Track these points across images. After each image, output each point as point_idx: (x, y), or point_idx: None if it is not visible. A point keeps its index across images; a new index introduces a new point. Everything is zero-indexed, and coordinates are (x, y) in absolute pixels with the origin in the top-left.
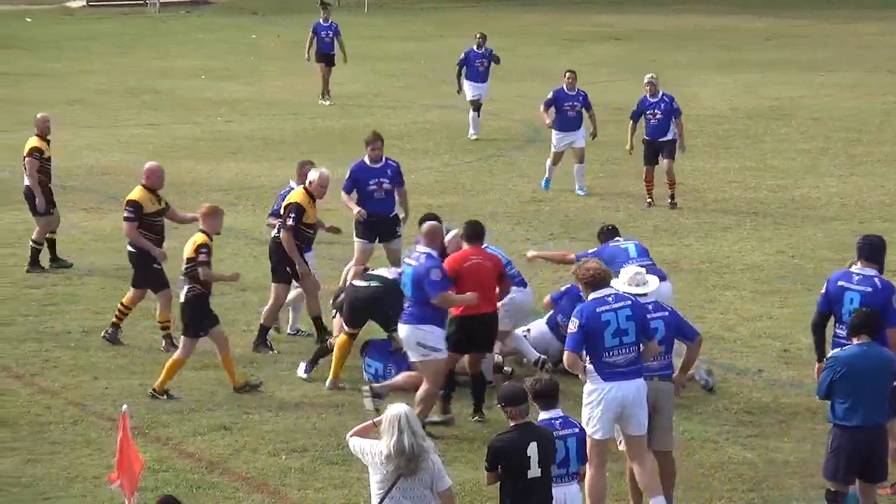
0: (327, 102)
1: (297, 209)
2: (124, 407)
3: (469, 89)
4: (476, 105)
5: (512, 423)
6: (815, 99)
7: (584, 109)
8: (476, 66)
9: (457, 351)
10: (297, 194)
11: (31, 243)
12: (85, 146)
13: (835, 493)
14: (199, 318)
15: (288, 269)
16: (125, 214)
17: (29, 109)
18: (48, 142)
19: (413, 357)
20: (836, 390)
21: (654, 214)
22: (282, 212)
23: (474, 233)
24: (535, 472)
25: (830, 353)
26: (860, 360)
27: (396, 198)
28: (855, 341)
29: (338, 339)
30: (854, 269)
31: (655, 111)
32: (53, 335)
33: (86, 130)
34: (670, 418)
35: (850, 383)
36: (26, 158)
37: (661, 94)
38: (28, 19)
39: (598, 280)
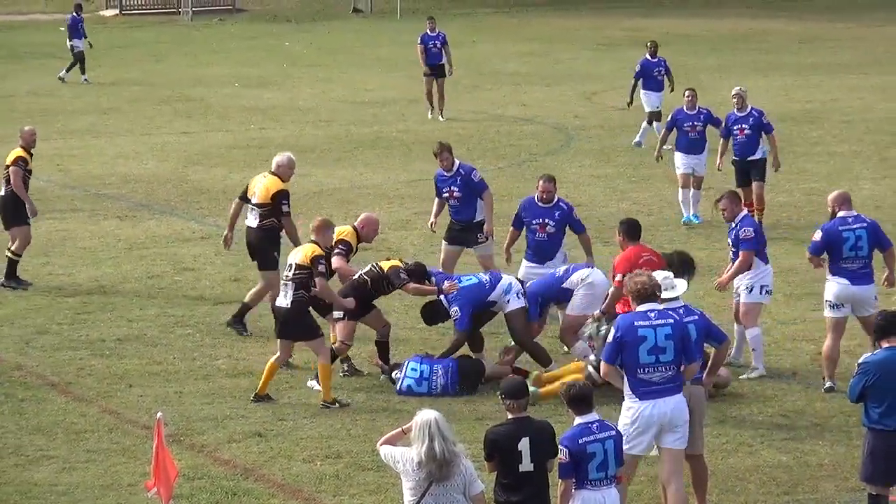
0: (441, 118)
1: (285, 195)
2: (159, 414)
3: (649, 99)
4: (656, 116)
5: (509, 416)
6: (848, 102)
7: (708, 127)
8: (654, 74)
9: None
10: (272, 181)
11: (7, 254)
12: (119, 154)
13: (877, 497)
14: (307, 321)
15: (276, 254)
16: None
17: (65, 119)
18: (31, 154)
19: None
20: (869, 395)
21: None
22: (260, 200)
23: (635, 230)
24: (526, 466)
25: (862, 358)
26: (893, 364)
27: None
28: (884, 345)
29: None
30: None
31: (743, 126)
32: (88, 343)
33: (119, 138)
34: (702, 422)
35: (883, 387)
36: (10, 168)
37: (749, 107)
38: (62, 28)
39: (645, 294)
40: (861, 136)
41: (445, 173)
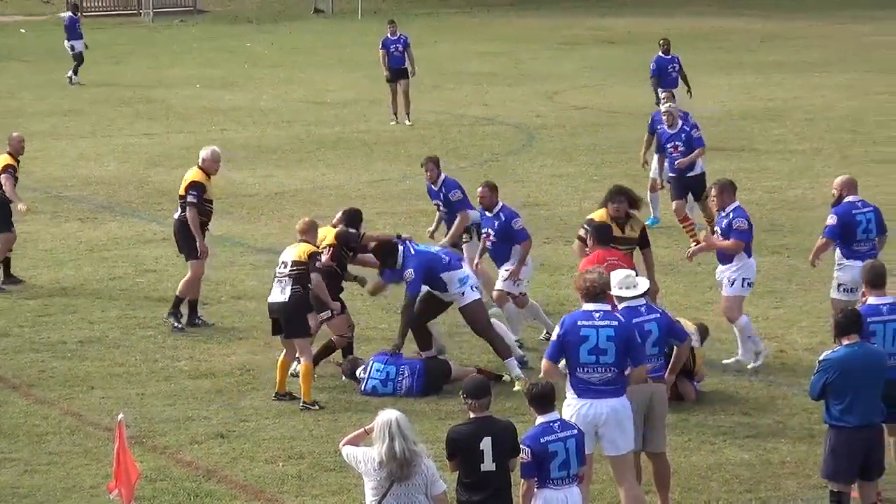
0: (408, 122)
1: (198, 187)
2: (120, 416)
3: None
4: None
5: (471, 415)
6: (810, 100)
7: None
8: (668, 71)
9: None
10: (194, 174)
11: None
12: (80, 156)
13: (838, 494)
14: (304, 318)
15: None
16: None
17: (26, 121)
18: (18, 161)
19: None
20: (829, 392)
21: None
22: (182, 192)
23: (606, 234)
24: (488, 465)
25: (822, 355)
26: (853, 361)
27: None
28: (845, 342)
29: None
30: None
31: (676, 143)
32: (49, 346)
33: (81, 140)
34: (664, 420)
35: (845, 384)
36: (1, 175)
37: (680, 124)
38: (22, 30)
39: (593, 293)
40: (822, 134)
41: (433, 186)
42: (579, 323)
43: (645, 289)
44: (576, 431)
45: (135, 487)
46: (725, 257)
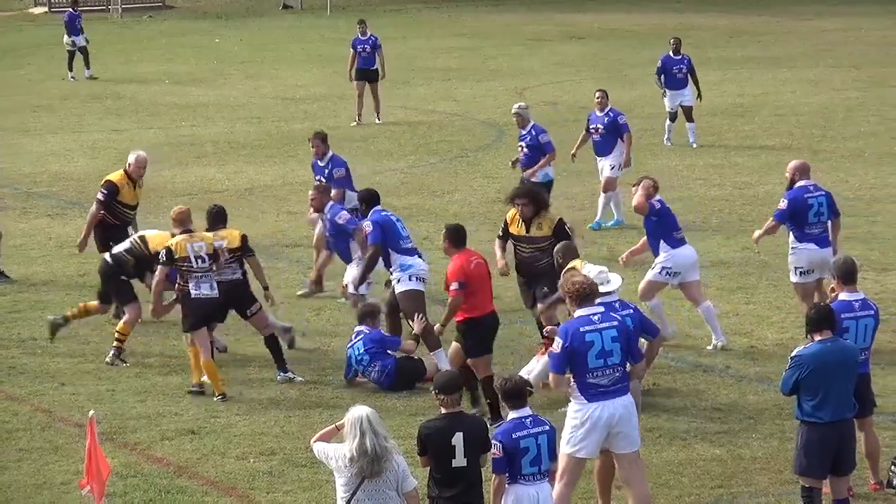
0: (378, 121)
1: (110, 186)
2: (91, 413)
3: (670, 97)
4: (674, 115)
5: (443, 411)
6: (779, 96)
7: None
8: (673, 72)
9: (483, 353)
10: (114, 175)
11: None
12: (49, 152)
13: (810, 490)
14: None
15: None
16: None
17: None
18: None
19: None
20: (802, 387)
21: (622, 212)
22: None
23: (461, 236)
24: (460, 461)
25: (795, 351)
26: (826, 356)
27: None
28: (818, 337)
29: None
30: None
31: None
32: (19, 342)
33: (50, 136)
34: (637, 416)
35: (818, 380)
36: None
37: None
38: None
39: (584, 294)
40: (792, 130)
41: (318, 162)
42: (582, 329)
43: (618, 285)
44: (548, 427)
45: (106, 484)
46: (654, 249)
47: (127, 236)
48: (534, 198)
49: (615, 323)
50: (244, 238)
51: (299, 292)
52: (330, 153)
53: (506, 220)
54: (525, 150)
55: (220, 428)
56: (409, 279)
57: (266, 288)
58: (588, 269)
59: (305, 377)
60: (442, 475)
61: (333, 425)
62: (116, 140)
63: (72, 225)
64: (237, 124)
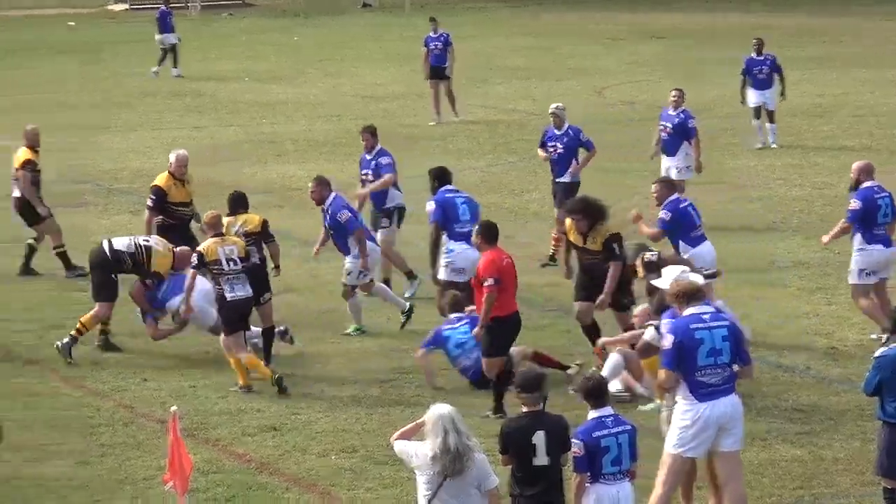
0: (455, 118)
1: (157, 191)
2: (174, 408)
3: (751, 97)
4: (757, 112)
5: (524, 409)
6: (858, 96)
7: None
8: (755, 73)
9: (501, 354)
10: (160, 178)
11: (53, 252)
12: (129, 149)
13: (892, 491)
14: None
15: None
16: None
17: (74, 113)
18: (37, 153)
19: None
20: (885, 388)
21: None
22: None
23: (493, 233)
24: (541, 459)
25: (878, 352)
26: None
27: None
28: None
29: None
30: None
31: (556, 145)
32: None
33: (130, 133)
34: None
35: None
36: (20, 171)
37: (566, 126)
38: (71, 23)
39: (691, 295)
40: (872, 130)
41: (367, 156)
42: (692, 327)
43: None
44: (629, 427)
45: (189, 479)
46: (675, 249)
47: (191, 234)
48: (588, 212)
49: (725, 322)
50: (265, 223)
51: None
52: (378, 146)
53: (566, 228)
54: (560, 150)
55: (301, 425)
56: (446, 268)
57: (276, 267)
58: (669, 270)
59: (385, 376)
60: (523, 474)
61: (414, 423)
62: (197, 137)
63: None
64: (316, 122)
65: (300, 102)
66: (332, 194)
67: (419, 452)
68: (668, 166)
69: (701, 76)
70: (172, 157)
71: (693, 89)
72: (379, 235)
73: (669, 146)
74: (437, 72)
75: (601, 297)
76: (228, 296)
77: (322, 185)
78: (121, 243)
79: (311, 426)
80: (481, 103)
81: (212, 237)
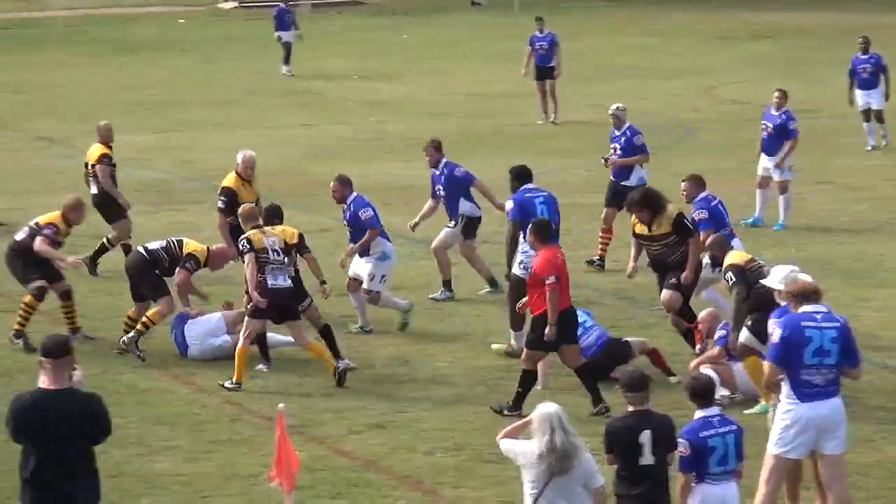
0: (555, 121)
1: (228, 192)
2: (281, 406)
3: (858, 98)
4: (867, 115)
5: (630, 409)
6: None
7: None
8: (859, 72)
9: (548, 349)
10: (228, 180)
11: (106, 242)
12: (238, 146)
13: None
14: None
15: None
16: None
17: (185, 111)
18: (111, 148)
19: None
20: None
21: (807, 213)
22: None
23: (546, 232)
24: (647, 459)
25: None
26: None
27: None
28: None
29: None
30: None
31: (615, 145)
32: None
33: (239, 131)
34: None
35: None
36: (96, 166)
37: (626, 126)
38: (181, 21)
39: (806, 294)
40: None
41: (435, 171)
42: (803, 324)
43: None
44: (735, 427)
45: (295, 477)
46: None
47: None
48: (646, 204)
49: (836, 324)
50: (301, 236)
51: (483, 291)
52: (444, 160)
53: (632, 223)
54: (618, 151)
55: (407, 423)
56: (519, 265)
57: (323, 283)
58: (778, 269)
59: (491, 374)
60: (629, 473)
61: (520, 422)
62: (306, 135)
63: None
64: (424, 120)
65: (408, 100)
66: (354, 194)
67: (526, 451)
68: (769, 167)
69: (809, 76)
70: (239, 158)
71: (803, 89)
72: (440, 234)
73: (770, 146)
74: (543, 72)
75: (685, 273)
76: (270, 283)
77: (344, 184)
78: (155, 245)
79: (417, 424)
80: (588, 102)
81: (251, 229)
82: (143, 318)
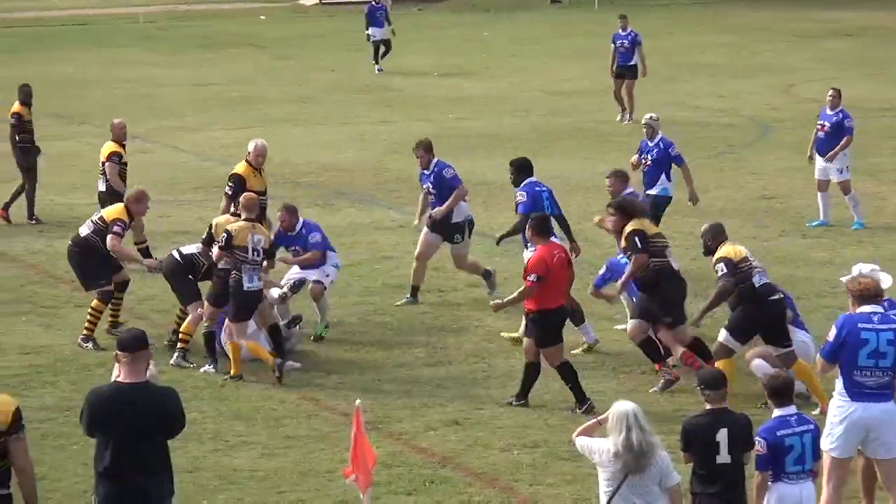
0: (629, 120)
1: (237, 179)
2: (358, 402)
3: None
4: None
5: (707, 407)
6: None
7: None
8: None
9: (556, 342)
10: (239, 167)
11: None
12: (317, 143)
13: None
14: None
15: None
16: None
17: (264, 107)
18: (124, 146)
19: None
20: None
21: (887, 212)
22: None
23: (545, 228)
24: (724, 457)
25: None
26: None
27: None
28: None
29: None
30: None
31: (647, 157)
32: (284, 330)
33: (318, 127)
34: None
35: None
36: (106, 163)
37: (659, 137)
38: (262, 17)
39: (868, 295)
40: None
41: (424, 171)
42: (860, 325)
43: (889, 283)
44: (812, 426)
45: (372, 473)
46: None
47: (268, 222)
48: (621, 209)
49: (894, 326)
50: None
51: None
52: (435, 160)
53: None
54: (649, 163)
55: (483, 419)
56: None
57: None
58: (860, 267)
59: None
60: (705, 472)
61: (596, 419)
62: (385, 132)
63: (339, 215)
64: (504, 117)
65: (488, 97)
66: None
67: (601, 449)
68: (825, 167)
69: (889, 74)
70: (251, 147)
71: (882, 88)
72: (451, 251)
73: (826, 146)
74: (623, 70)
75: (618, 286)
76: (246, 285)
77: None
78: (190, 248)
79: (493, 421)
80: (667, 100)
81: (244, 220)
82: (181, 335)
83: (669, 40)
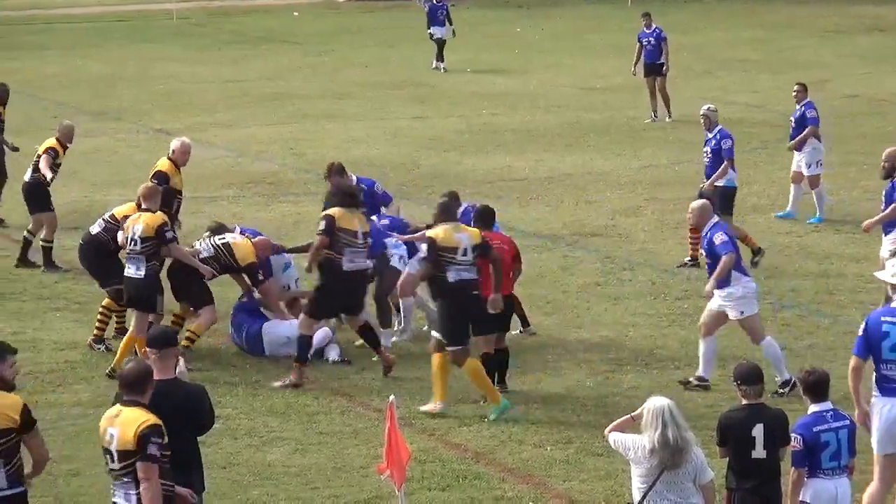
0: (668, 119)
1: (160, 177)
2: (391, 398)
3: None
4: None
5: (743, 402)
6: None
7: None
8: None
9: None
10: (162, 164)
11: (41, 243)
12: (351, 139)
13: None
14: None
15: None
16: None
17: (298, 103)
18: (66, 148)
19: None
20: None
21: None
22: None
23: (488, 217)
24: (759, 452)
25: None
26: None
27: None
28: None
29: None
30: None
31: (706, 149)
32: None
33: (352, 123)
34: None
35: None
36: (42, 155)
37: (717, 128)
38: (295, 13)
39: None
40: None
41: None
42: (882, 318)
43: None
44: (848, 422)
45: (406, 469)
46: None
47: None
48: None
49: None
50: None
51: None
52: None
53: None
54: (709, 154)
55: (517, 416)
56: (399, 260)
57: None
58: (893, 263)
59: (602, 367)
60: (741, 467)
61: (629, 415)
62: (419, 128)
63: None
64: (537, 113)
65: (521, 93)
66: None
67: (636, 445)
68: (798, 160)
69: None
70: (177, 144)
71: None
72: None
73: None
74: (651, 68)
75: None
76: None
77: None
78: (202, 249)
79: (527, 417)
80: (701, 96)
81: (143, 211)
82: (188, 333)
83: (702, 36)
